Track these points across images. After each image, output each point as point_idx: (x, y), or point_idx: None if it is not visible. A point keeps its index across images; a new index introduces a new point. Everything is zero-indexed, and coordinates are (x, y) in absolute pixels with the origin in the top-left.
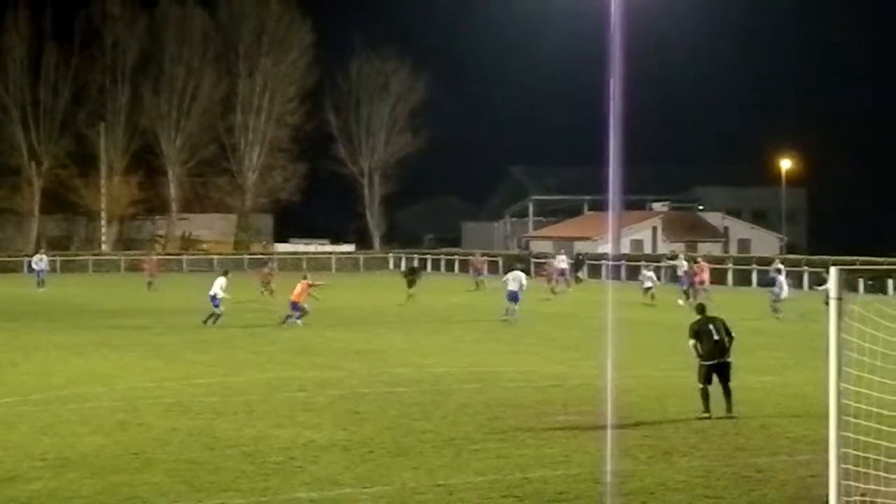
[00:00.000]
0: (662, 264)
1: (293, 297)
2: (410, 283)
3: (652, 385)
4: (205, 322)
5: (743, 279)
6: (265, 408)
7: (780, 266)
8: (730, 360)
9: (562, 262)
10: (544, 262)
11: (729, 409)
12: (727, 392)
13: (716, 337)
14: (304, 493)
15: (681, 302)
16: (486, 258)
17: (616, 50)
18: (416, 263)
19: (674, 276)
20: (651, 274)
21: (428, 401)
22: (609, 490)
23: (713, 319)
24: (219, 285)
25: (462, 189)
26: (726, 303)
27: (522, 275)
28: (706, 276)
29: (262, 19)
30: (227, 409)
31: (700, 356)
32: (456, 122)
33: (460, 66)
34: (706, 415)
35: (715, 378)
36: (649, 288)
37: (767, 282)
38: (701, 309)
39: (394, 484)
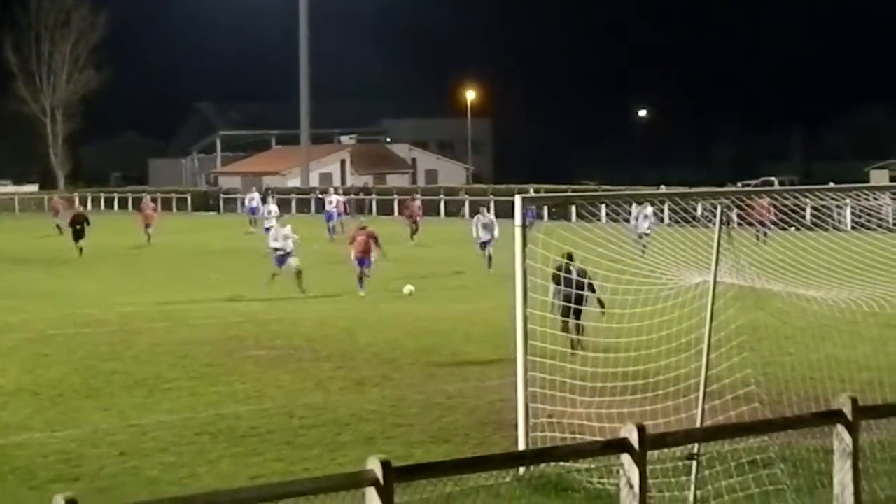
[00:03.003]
0: (348, 197)
1: (359, 254)
2: (78, 235)
3: (343, 317)
4: None
5: (431, 209)
6: None
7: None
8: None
9: (252, 200)
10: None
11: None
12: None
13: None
14: None
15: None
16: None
17: None
18: (81, 208)
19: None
20: (255, 195)
21: (117, 341)
22: (303, 423)
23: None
24: None
25: (148, 126)
26: (405, 232)
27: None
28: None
29: None
30: None
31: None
32: (139, 59)
33: (142, 2)
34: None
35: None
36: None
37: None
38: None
39: (85, 426)
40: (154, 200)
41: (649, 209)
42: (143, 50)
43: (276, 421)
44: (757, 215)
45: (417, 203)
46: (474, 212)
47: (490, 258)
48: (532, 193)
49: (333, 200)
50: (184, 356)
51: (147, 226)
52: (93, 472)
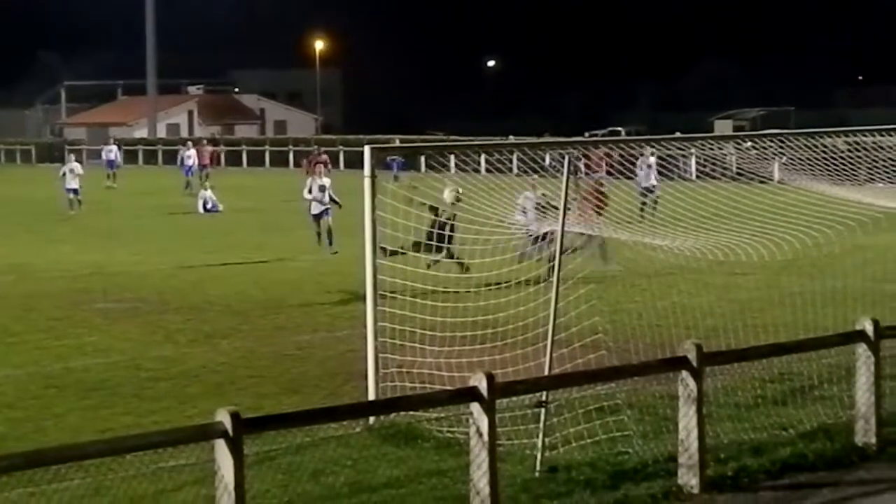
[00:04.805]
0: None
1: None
2: None
3: (192, 269)
4: None
5: (280, 160)
6: None
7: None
8: None
9: (110, 153)
10: None
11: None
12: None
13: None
14: None
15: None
16: None
17: None
18: None
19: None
20: (113, 147)
21: None
22: (152, 375)
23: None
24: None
25: None
26: (263, 185)
27: (79, 165)
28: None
29: None
30: None
31: None
32: None
33: None
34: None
35: None
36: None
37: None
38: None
39: None
40: None
41: (651, 158)
42: None
43: (125, 374)
44: (594, 166)
45: (324, 157)
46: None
47: (330, 234)
48: (392, 145)
49: (191, 154)
50: (29, 309)
51: None
52: None
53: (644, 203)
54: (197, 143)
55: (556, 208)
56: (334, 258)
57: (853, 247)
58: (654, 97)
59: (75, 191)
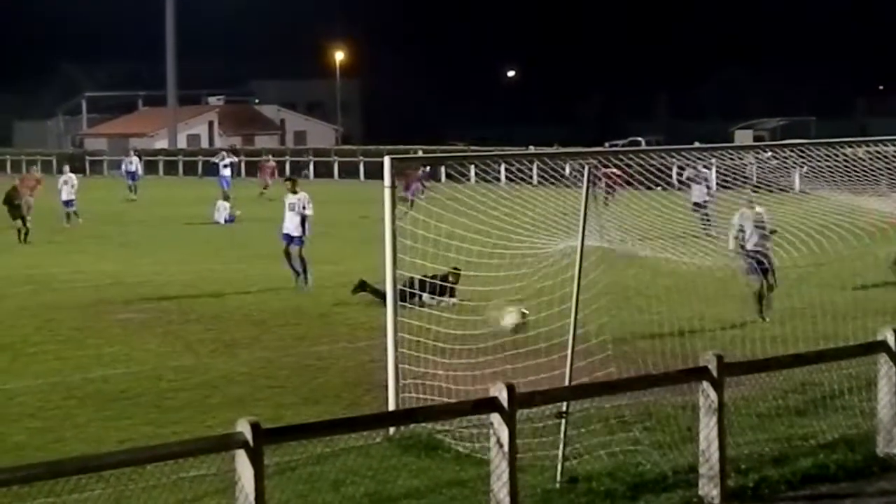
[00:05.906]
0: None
1: None
2: (16, 215)
3: (212, 279)
4: None
5: (300, 170)
6: None
7: None
8: None
9: (131, 164)
10: None
11: None
12: None
13: None
14: None
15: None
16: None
17: None
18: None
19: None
20: (134, 159)
21: None
22: (172, 386)
23: None
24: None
25: (10, 87)
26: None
27: (74, 176)
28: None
29: None
30: None
31: None
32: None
33: None
34: None
35: None
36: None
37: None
38: None
39: None
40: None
41: (702, 170)
42: (3, 8)
43: (145, 384)
44: (606, 178)
45: (419, 173)
46: (346, 172)
47: (304, 266)
48: (419, 156)
49: (228, 163)
50: (50, 319)
51: None
52: None
53: (704, 221)
54: (261, 155)
55: (775, 231)
56: (356, 268)
57: (874, 256)
58: (670, 106)
59: (69, 202)
